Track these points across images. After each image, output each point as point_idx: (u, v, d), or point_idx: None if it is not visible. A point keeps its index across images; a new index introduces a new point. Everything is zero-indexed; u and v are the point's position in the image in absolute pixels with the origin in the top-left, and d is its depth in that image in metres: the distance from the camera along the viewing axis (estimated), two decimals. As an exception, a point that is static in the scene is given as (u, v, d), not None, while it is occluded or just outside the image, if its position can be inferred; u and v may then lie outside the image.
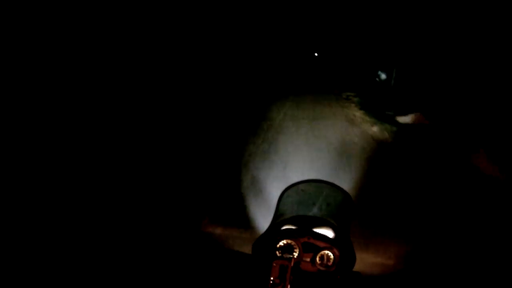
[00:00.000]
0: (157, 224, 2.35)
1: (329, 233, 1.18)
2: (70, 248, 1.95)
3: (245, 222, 2.57)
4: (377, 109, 8.09)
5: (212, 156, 4.12)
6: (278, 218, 1.32)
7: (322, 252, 1.13)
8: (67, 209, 2.66)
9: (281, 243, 1.16)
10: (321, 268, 1.12)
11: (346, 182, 3.46)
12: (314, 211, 1.35)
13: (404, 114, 7.14)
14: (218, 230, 2.05)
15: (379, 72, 11.09)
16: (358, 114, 7.67)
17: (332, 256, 1.11)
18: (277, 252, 1.15)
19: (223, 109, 7.18)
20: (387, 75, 10.36)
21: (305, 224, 1.21)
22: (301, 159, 4.24)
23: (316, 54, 29.69)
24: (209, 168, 3.72)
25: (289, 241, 1.16)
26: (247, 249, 1.18)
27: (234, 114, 6.83)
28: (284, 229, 1.19)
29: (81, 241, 2.05)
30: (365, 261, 1.43)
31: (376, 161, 4.38)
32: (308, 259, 1.11)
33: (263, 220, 2.48)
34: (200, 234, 1.86)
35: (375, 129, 6.22)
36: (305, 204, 1.38)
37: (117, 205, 2.66)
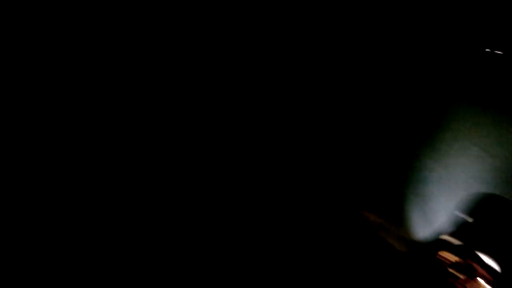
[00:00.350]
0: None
1: (495, 265, 1.07)
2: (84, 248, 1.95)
3: (399, 218, 2.41)
4: None
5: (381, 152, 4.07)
6: (454, 225, 1.20)
7: (477, 279, 1.01)
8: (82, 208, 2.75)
9: (452, 259, 1.06)
10: None
11: None
12: (484, 226, 1.19)
13: None
14: (372, 216, 1.97)
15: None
16: None
17: (484, 285, 1.02)
18: (449, 268, 1.06)
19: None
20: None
21: (475, 246, 1.07)
22: (472, 175, 3.88)
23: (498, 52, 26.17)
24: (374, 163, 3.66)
25: (461, 260, 1.05)
26: (394, 244, 1.06)
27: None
28: (459, 246, 1.07)
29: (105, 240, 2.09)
30: None
31: None
32: (463, 277, 1.02)
33: (416, 223, 2.33)
34: (356, 217, 1.81)
35: None
36: (481, 218, 1.23)
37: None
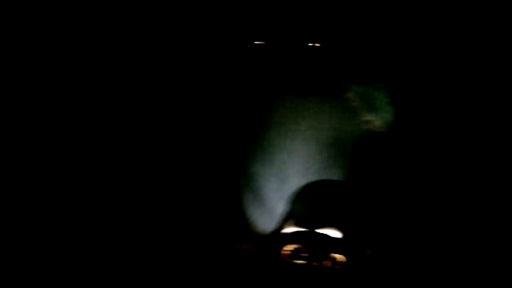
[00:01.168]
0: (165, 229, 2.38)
1: (337, 233, 1.20)
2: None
3: (247, 223, 2.59)
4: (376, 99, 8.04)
5: (210, 160, 4.16)
6: (285, 221, 1.32)
7: (332, 255, 1.13)
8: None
9: (287, 248, 1.15)
10: (332, 270, 1.11)
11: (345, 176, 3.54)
12: (322, 211, 1.36)
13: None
14: (222, 232, 2.09)
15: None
16: (356, 104, 7.60)
17: (342, 257, 1.12)
18: (284, 258, 1.14)
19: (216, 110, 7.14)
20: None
21: (311, 225, 1.20)
22: (300, 157, 4.28)
23: (316, 45, 29.12)
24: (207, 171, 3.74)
25: (295, 246, 1.15)
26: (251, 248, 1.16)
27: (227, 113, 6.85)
28: (288, 232, 1.18)
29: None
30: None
31: (374, 152, 4.43)
32: (318, 264, 1.12)
33: (265, 221, 2.52)
34: (205, 235, 1.90)
35: (372, 118, 6.23)
36: (312, 205, 1.39)
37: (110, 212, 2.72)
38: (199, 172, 3.83)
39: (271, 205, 2.98)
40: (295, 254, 1.12)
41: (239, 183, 3.48)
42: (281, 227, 1.23)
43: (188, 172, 3.88)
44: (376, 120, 6.32)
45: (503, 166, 3.58)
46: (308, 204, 1.38)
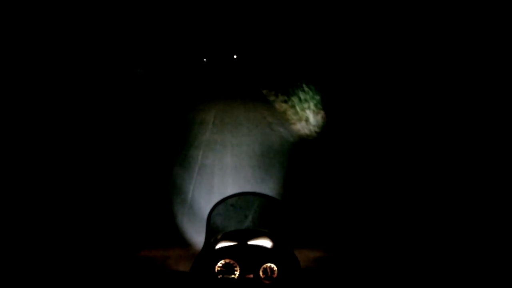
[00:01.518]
0: (90, 251, 2.19)
1: (267, 243, 1.14)
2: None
3: (182, 241, 2.49)
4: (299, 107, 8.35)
5: (138, 174, 3.93)
6: (211, 237, 1.24)
7: (264, 265, 1.08)
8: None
9: (219, 264, 1.08)
10: (267, 282, 1.06)
11: (273, 185, 3.60)
12: (247, 224, 1.32)
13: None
14: (157, 252, 1.95)
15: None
16: (279, 113, 7.79)
17: (275, 268, 1.08)
18: (217, 275, 1.07)
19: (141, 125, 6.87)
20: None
21: (241, 238, 1.15)
22: (227, 169, 4.27)
23: (235, 56, 30.23)
24: (136, 186, 3.53)
25: (227, 261, 1.08)
26: (186, 267, 1.11)
27: (153, 126, 6.60)
28: (219, 248, 1.10)
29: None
30: (308, 257, 1.49)
31: (300, 160, 4.58)
32: (252, 276, 1.07)
33: (198, 236, 2.43)
34: (137, 258, 1.75)
35: (297, 127, 6.46)
36: (237, 219, 1.34)
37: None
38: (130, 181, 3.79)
39: (200, 215, 2.94)
40: (228, 269, 1.04)
41: (170, 195, 3.40)
42: (212, 243, 1.15)
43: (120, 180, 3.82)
44: (305, 126, 6.52)
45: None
46: (231, 218, 1.33)
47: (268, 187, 3.57)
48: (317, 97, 7.80)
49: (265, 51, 19.21)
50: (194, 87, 14.18)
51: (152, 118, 7.73)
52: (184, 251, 2.26)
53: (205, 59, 28.86)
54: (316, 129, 6.14)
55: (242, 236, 1.17)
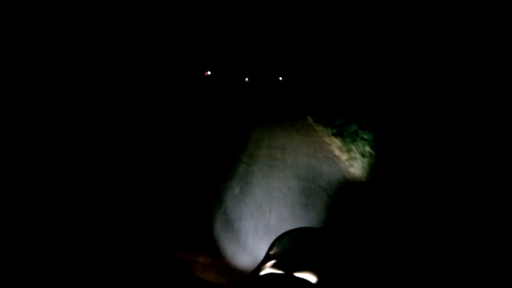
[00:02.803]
0: (127, 250, 2.28)
1: (312, 278, 1.16)
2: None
3: (213, 250, 2.55)
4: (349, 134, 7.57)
5: (179, 179, 4.07)
6: (263, 263, 1.29)
7: None
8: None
9: None
10: None
11: (315, 214, 3.55)
12: (299, 255, 1.34)
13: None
14: (186, 255, 2.03)
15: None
16: (326, 146, 7.40)
17: None
18: None
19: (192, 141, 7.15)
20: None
21: (289, 269, 1.18)
22: (272, 191, 4.25)
23: (280, 78, 30.36)
24: (181, 198, 3.66)
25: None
26: (211, 276, 1.15)
27: (204, 145, 6.82)
28: (266, 274, 1.15)
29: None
30: None
31: (351, 196, 4.38)
32: None
33: (232, 250, 2.48)
34: (166, 257, 1.83)
35: (344, 165, 6.17)
36: (293, 250, 1.37)
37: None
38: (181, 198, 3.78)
39: (248, 243, 2.95)
40: None
41: (209, 204, 3.49)
42: (259, 269, 1.20)
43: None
44: (356, 168, 6.07)
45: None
46: (286, 249, 1.37)
47: (313, 215, 3.54)
48: (371, 138, 7.12)
49: (317, 76, 18.93)
50: (236, 106, 14.24)
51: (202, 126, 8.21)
52: (212, 260, 2.33)
53: (247, 79, 29.20)
54: (366, 173, 5.71)
55: (290, 267, 1.21)
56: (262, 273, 1.16)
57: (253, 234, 3.02)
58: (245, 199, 3.79)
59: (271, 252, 1.32)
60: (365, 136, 7.27)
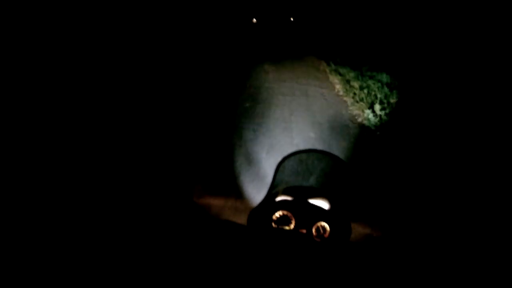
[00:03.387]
0: (145, 194, 2.34)
1: (324, 204, 1.19)
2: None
3: (238, 192, 2.59)
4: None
5: (200, 126, 4.07)
6: (275, 188, 1.30)
7: (318, 223, 1.13)
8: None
9: (276, 215, 1.15)
10: (318, 240, 1.12)
11: (336, 153, 3.57)
12: (311, 181, 1.34)
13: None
14: (211, 200, 2.04)
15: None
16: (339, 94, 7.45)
17: (328, 228, 1.13)
18: (273, 224, 1.15)
19: (206, 78, 7.01)
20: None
21: (301, 195, 1.19)
22: (290, 131, 4.28)
23: (292, 19, 28.85)
24: (199, 138, 3.66)
25: (284, 212, 1.14)
26: (241, 219, 1.17)
27: (217, 82, 6.69)
28: (280, 200, 1.17)
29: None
30: (358, 231, 1.49)
31: (366, 136, 4.45)
32: (304, 231, 1.13)
33: (255, 190, 2.51)
34: (192, 204, 1.85)
35: (355, 113, 6.12)
36: (302, 174, 1.37)
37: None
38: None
39: (260, 169, 2.99)
40: (283, 220, 1.11)
41: (231, 146, 3.45)
42: (273, 195, 1.21)
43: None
44: (370, 116, 6.02)
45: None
46: (298, 173, 1.35)
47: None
48: (387, 89, 6.83)
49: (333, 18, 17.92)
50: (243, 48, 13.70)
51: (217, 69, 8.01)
52: (240, 203, 2.39)
53: (254, 19, 27.68)
54: (378, 123, 5.62)
55: (303, 192, 1.22)
56: (277, 199, 1.18)
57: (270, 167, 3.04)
58: (263, 138, 3.81)
59: (281, 175, 1.33)
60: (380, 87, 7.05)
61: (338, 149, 3.88)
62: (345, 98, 6.71)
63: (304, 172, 1.38)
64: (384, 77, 7.41)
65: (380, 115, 5.86)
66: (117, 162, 3.12)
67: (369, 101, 6.51)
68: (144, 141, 3.57)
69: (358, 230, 1.64)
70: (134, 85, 5.91)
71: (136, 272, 1.09)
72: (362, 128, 5.18)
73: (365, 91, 6.93)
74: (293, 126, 4.38)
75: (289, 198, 1.18)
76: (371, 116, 5.73)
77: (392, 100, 6.47)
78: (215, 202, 2.04)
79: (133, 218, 1.25)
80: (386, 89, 6.86)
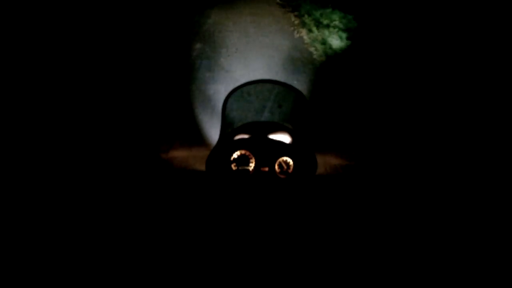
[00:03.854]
0: (111, 151, 2.27)
1: (285, 138, 1.15)
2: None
3: (203, 140, 2.55)
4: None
5: (152, 70, 3.88)
6: (227, 127, 1.24)
7: (280, 159, 1.11)
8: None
9: (234, 156, 1.10)
10: (282, 176, 1.11)
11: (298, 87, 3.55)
12: (266, 115, 1.29)
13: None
14: (175, 153, 2.02)
15: None
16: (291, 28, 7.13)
17: (291, 162, 1.11)
18: (232, 166, 1.11)
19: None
20: None
21: (258, 131, 1.15)
22: (246, 63, 4.14)
23: None
24: (151, 85, 3.50)
25: (242, 152, 1.11)
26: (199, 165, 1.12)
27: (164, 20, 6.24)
28: (235, 140, 1.12)
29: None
30: (328, 163, 1.47)
31: (324, 71, 4.42)
32: (267, 169, 1.11)
33: (216, 133, 2.49)
34: (159, 160, 1.83)
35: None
36: (255, 109, 1.30)
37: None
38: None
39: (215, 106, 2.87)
40: (243, 160, 1.07)
41: (192, 95, 3.43)
42: (228, 135, 1.13)
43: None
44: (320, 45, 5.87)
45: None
46: (250, 109, 1.26)
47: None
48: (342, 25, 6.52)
49: None
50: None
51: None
52: (205, 150, 2.40)
53: None
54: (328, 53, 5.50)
55: (259, 128, 1.17)
56: (236, 138, 1.12)
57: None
58: (224, 79, 3.69)
59: (232, 112, 1.25)
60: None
61: (295, 80, 3.85)
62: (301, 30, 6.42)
63: (257, 107, 1.30)
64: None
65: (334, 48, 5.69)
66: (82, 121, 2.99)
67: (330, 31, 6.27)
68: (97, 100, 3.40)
69: (330, 161, 1.62)
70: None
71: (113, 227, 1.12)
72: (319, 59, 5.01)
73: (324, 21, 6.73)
74: (249, 61, 4.27)
75: (245, 136, 1.13)
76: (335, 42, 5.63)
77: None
78: (180, 154, 2.04)
79: (107, 181, 1.23)
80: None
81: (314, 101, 3.32)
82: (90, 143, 2.68)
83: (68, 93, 3.69)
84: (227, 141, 1.14)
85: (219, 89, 3.54)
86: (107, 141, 2.72)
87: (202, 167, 1.38)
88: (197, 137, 2.69)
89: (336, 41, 5.98)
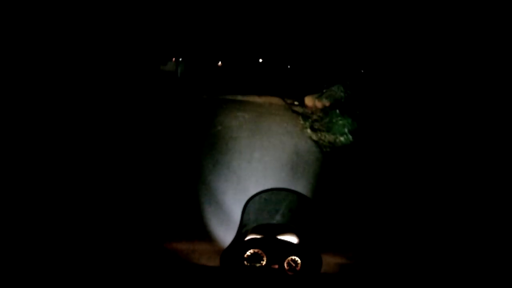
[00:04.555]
0: (115, 243, 2.24)
1: (293, 239, 1.23)
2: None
3: (208, 236, 2.57)
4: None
5: (165, 171, 4.05)
6: (243, 228, 1.34)
7: (289, 258, 1.19)
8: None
9: (248, 253, 1.18)
10: (290, 273, 1.17)
11: (300, 189, 3.65)
12: (278, 218, 1.40)
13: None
14: (182, 245, 2.01)
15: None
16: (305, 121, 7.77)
17: (299, 261, 1.18)
18: (245, 262, 1.18)
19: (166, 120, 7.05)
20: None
21: (270, 232, 1.25)
22: (254, 169, 4.36)
23: (261, 60, 29.17)
24: (163, 183, 3.63)
25: (255, 250, 1.19)
26: (213, 262, 1.18)
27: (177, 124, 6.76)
28: (249, 239, 1.21)
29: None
30: (328, 262, 1.52)
31: (328, 168, 4.60)
32: (277, 266, 1.17)
33: (225, 232, 2.50)
34: (163, 251, 1.81)
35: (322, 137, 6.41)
36: (269, 213, 1.43)
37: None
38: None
39: (230, 213, 2.98)
40: (255, 258, 1.15)
41: (199, 194, 3.51)
42: (242, 235, 1.26)
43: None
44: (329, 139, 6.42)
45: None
46: (264, 212, 1.42)
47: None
48: (349, 121, 7.38)
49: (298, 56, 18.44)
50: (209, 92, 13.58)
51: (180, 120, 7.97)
52: (209, 246, 2.36)
53: (220, 62, 27.68)
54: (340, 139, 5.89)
55: (271, 230, 1.27)
56: (246, 238, 1.21)
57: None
58: (230, 183, 3.84)
59: (248, 215, 1.37)
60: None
61: (307, 178, 3.97)
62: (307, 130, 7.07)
63: (270, 211, 1.44)
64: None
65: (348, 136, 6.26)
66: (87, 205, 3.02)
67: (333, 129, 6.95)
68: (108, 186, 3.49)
69: (328, 260, 1.65)
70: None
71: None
72: (325, 155, 5.33)
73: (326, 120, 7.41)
74: (258, 164, 4.46)
75: (258, 236, 1.23)
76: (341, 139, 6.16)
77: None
78: (183, 247, 2.01)
79: (105, 266, 1.22)
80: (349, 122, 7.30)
81: (317, 201, 3.40)
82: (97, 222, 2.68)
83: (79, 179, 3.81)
84: (241, 240, 1.26)
85: (226, 190, 3.59)
86: (114, 222, 2.72)
87: (207, 261, 1.42)
88: (201, 232, 2.71)
89: (339, 140, 6.45)
